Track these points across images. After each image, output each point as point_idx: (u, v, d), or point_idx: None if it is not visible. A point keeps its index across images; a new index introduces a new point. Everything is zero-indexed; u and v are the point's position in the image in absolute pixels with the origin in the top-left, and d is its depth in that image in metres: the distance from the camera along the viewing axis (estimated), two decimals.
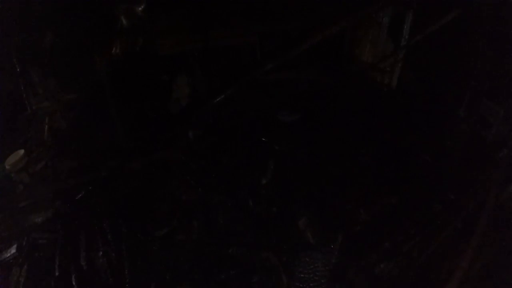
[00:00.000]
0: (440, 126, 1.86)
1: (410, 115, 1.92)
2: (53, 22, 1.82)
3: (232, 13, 1.83)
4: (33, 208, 2.07)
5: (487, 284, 1.60)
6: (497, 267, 1.63)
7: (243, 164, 2.03)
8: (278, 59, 1.91)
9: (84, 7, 1.74)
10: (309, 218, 1.85)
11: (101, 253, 1.81)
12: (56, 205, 2.02)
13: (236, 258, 1.79)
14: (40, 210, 2.09)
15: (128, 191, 1.97)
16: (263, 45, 1.97)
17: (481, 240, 1.63)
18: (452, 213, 1.76)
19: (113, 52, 1.83)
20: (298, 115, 2.25)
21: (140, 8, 1.74)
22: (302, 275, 1.69)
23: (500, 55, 1.75)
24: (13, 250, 1.97)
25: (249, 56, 1.96)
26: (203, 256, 1.81)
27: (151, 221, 1.96)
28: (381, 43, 2.18)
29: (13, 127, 2.29)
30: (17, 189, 2.12)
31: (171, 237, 1.92)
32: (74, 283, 1.72)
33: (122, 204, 1.99)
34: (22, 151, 2.17)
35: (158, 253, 1.85)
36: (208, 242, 1.85)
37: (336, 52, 2.12)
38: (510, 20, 1.72)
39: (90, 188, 1.98)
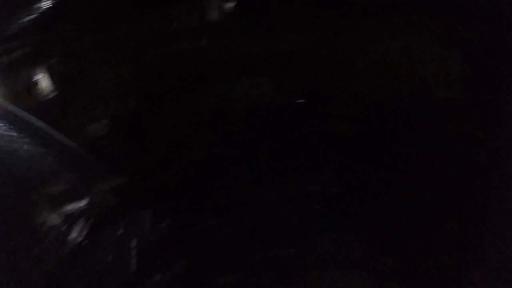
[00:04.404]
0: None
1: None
2: None
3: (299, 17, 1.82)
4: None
5: None
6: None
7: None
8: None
9: None
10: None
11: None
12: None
13: (279, 260, 1.82)
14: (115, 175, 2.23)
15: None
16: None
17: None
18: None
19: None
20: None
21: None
22: None
23: None
24: (83, 203, 2.11)
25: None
26: (246, 254, 1.86)
27: (199, 211, 2.03)
28: None
29: None
30: None
31: (218, 229, 1.99)
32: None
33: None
34: None
35: (204, 243, 1.93)
36: (253, 241, 1.90)
37: None
38: None
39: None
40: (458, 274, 1.70)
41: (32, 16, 1.54)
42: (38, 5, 1.56)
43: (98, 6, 1.68)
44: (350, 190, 1.76)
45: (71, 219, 1.69)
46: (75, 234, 1.83)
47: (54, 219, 1.65)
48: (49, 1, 1.55)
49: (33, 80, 1.42)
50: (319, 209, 1.76)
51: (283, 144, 1.91)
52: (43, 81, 1.43)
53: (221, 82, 1.81)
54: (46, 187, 1.60)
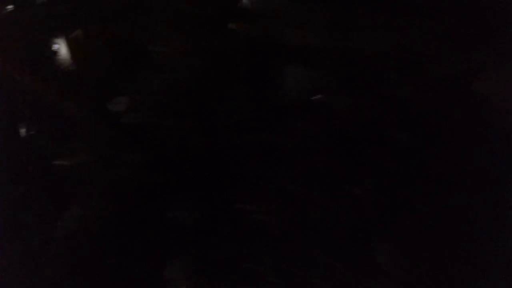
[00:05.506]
0: None
1: None
2: None
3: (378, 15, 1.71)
4: None
5: None
6: None
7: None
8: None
9: None
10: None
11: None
12: None
13: (323, 260, 1.78)
14: None
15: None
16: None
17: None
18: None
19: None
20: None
21: None
22: None
23: None
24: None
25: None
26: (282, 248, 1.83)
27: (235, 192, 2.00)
28: None
29: None
30: None
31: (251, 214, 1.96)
32: None
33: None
34: None
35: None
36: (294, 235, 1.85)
37: None
38: None
39: None
40: None
41: None
42: None
43: None
44: (386, 195, 1.69)
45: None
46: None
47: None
48: None
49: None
50: (351, 211, 1.71)
51: (329, 143, 1.85)
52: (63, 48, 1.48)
53: (276, 71, 1.78)
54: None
